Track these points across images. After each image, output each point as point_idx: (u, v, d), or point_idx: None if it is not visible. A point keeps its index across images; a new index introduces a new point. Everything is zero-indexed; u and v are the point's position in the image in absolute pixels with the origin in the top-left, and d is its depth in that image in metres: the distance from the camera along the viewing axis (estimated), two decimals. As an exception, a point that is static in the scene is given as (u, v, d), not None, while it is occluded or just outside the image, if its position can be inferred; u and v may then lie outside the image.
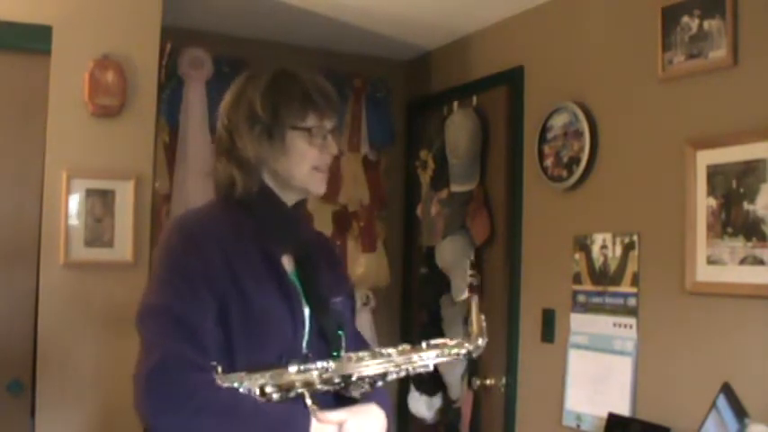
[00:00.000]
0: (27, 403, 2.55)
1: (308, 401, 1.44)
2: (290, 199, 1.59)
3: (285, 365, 1.43)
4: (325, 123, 1.56)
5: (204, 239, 1.46)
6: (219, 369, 1.38)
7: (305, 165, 1.55)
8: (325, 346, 1.53)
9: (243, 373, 1.40)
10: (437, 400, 3.35)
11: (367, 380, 1.50)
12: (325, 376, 1.45)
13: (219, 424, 1.35)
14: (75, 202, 2.57)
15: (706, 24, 2.26)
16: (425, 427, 3.45)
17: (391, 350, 1.53)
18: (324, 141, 1.56)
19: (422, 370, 1.56)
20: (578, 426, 2.63)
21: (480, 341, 1.60)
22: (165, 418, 1.34)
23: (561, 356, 2.74)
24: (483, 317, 1.61)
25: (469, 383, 3.16)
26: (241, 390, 1.39)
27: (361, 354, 1.50)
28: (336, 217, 3.61)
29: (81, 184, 2.58)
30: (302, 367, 1.43)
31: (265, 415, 1.38)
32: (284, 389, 1.42)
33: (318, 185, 1.58)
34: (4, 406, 2.52)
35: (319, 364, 1.46)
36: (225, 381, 1.39)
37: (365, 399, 1.52)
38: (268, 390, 1.41)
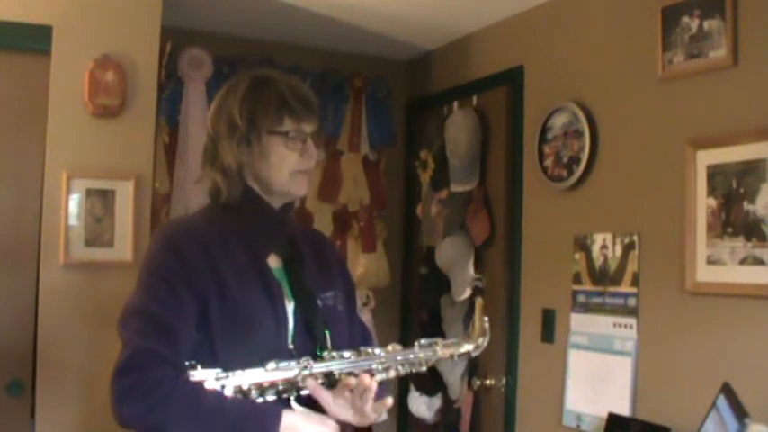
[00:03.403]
0: (27, 404, 2.55)
1: (293, 401, 1.45)
2: (275, 202, 1.61)
3: (264, 363, 1.44)
4: (303, 127, 1.58)
5: (185, 242, 1.50)
6: (199, 367, 1.41)
7: (284, 169, 1.57)
8: (312, 342, 1.54)
9: (218, 370, 1.41)
10: (437, 400, 3.34)
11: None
12: (304, 373, 1.45)
13: (180, 416, 1.37)
14: (75, 202, 2.57)
15: (706, 24, 2.26)
16: (425, 427, 3.45)
17: (379, 350, 1.53)
18: (303, 145, 1.58)
19: (415, 370, 1.56)
20: (578, 426, 2.63)
21: (481, 340, 1.60)
22: (128, 408, 1.37)
23: (561, 356, 2.74)
24: (486, 318, 1.62)
25: (469, 383, 3.16)
26: (218, 387, 1.40)
27: (346, 353, 1.50)
28: (336, 217, 3.62)
29: (81, 184, 2.58)
30: (280, 364, 1.44)
31: (229, 409, 1.39)
32: (265, 387, 1.43)
33: (299, 187, 1.60)
34: (4, 406, 2.52)
35: (295, 361, 1.46)
36: (199, 377, 1.40)
37: None
38: (245, 387, 1.42)
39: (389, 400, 1.48)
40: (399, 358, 1.53)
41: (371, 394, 1.45)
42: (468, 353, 1.59)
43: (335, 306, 1.64)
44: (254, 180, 1.59)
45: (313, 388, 1.45)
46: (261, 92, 1.57)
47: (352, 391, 1.46)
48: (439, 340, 1.58)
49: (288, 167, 1.57)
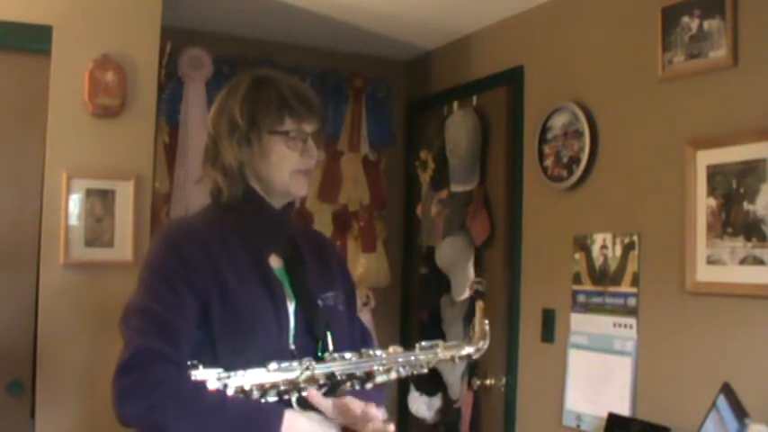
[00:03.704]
0: (27, 403, 2.55)
1: (294, 403, 1.45)
2: (276, 202, 1.61)
3: (265, 364, 1.44)
4: (303, 127, 1.58)
5: (186, 242, 1.51)
6: (201, 366, 1.41)
7: (285, 168, 1.57)
8: (313, 343, 1.54)
9: (220, 370, 1.42)
10: (437, 400, 3.35)
11: (354, 380, 1.49)
12: (306, 375, 1.45)
13: (181, 415, 1.37)
14: (75, 202, 2.57)
15: (706, 24, 2.26)
16: (425, 427, 3.45)
17: (380, 352, 1.53)
18: (304, 145, 1.58)
19: (416, 372, 1.56)
20: (578, 426, 2.63)
21: (481, 344, 1.61)
22: (129, 407, 1.38)
23: (561, 356, 2.74)
24: (486, 322, 1.62)
25: (469, 383, 3.16)
26: (219, 387, 1.40)
27: (347, 354, 1.51)
28: (336, 217, 3.62)
29: (81, 184, 2.58)
30: (281, 365, 1.44)
31: (231, 409, 1.39)
32: (266, 388, 1.43)
33: (299, 188, 1.60)
34: (4, 406, 2.52)
35: (297, 362, 1.46)
36: (201, 377, 1.40)
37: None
38: (247, 388, 1.42)
39: (392, 427, 1.48)
40: (400, 360, 1.53)
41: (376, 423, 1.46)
42: (468, 356, 1.60)
43: (336, 306, 1.64)
44: (256, 180, 1.59)
45: (313, 397, 1.45)
46: (262, 91, 1.57)
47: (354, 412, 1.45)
48: (440, 343, 1.58)
49: (288, 167, 1.57)
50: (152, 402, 1.37)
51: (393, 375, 1.53)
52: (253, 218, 1.59)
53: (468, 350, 1.60)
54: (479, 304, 1.66)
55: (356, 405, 1.45)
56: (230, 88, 1.62)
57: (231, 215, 1.59)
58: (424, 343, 1.57)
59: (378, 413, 1.45)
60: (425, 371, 1.57)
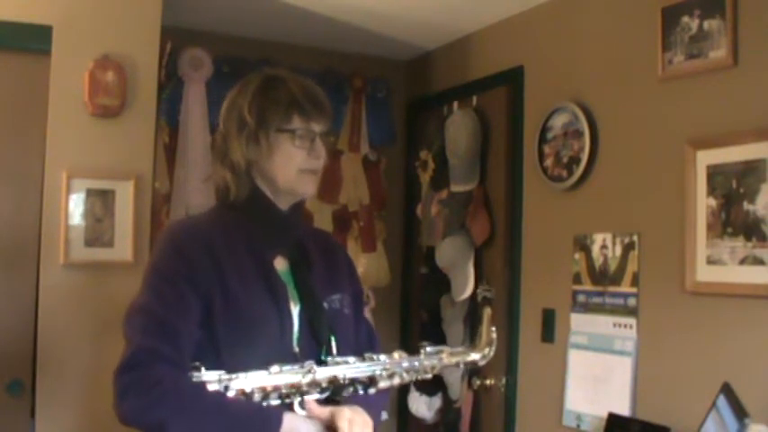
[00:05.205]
0: (27, 403, 2.55)
1: (297, 406, 1.45)
2: (283, 202, 1.61)
3: (267, 367, 1.43)
4: (311, 126, 1.59)
5: (190, 243, 1.51)
6: (203, 368, 1.41)
7: (291, 167, 1.57)
8: (317, 346, 1.53)
9: (222, 372, 1.42)
10: (437, 400, 3.34)
11: (357, 385, 1.49)
12: (308, 378, 1.45)
13: (180, 413, 1.38)
14: (75, 202, 2.57)
15: (706, 24, 2.26)
16: (425, 427, 3.44)
17: (384, 357, 1.52)
18: (311, 144, 1.58)
19: (420, 377, 1.55)
20: (578, 426, 2.63)
21: (487, 350, 1.61)
22: (129, 404, 1.38)
23: (561, 356, 2.74)
24: (494, 328, 1.62)
25: (469, 383, 3.16)
26: (221, 389, 1.40)
27: (350, 358, 1.50)
28: (336, 217, 3.62)
29: (81, 184, 2.58)
30: (283, 368, 1.43)
31: (230, 409, 1.39)
32: (269, 391, 1.42)
33: (305, 187, 1.60)
34: (4, 406, 2.52)
35: (298, 365, 1.45)
36: (203, 379, 1.40)
37: (353, 402, 1.50)
38: (249, 390, 1.41)
39: None
40: (405, 365, 1.53)
41: None
42: (474, 362, 1.60)
43: (342, 309, 1.63)
44: (262, 179, 1.59)
45: (311, 408, 1.45)
46: (271, 90, 1.58)
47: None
48: (445, 348, 1.58)
49: (295, 166, 1.57)
50: (151, 400, 1.37)
51: (396, 381, 1.52)
52: (258, 219, 1.59)
53: (473, 356, 1.60)
54: (487, 311, 1.66)
55: (343, 421, 1.44)
56: (241, 86, 1.62)
57: (237, 216, 1.59)
58: (429, 348, 1.57)
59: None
60: (429, 376, 1.57)
